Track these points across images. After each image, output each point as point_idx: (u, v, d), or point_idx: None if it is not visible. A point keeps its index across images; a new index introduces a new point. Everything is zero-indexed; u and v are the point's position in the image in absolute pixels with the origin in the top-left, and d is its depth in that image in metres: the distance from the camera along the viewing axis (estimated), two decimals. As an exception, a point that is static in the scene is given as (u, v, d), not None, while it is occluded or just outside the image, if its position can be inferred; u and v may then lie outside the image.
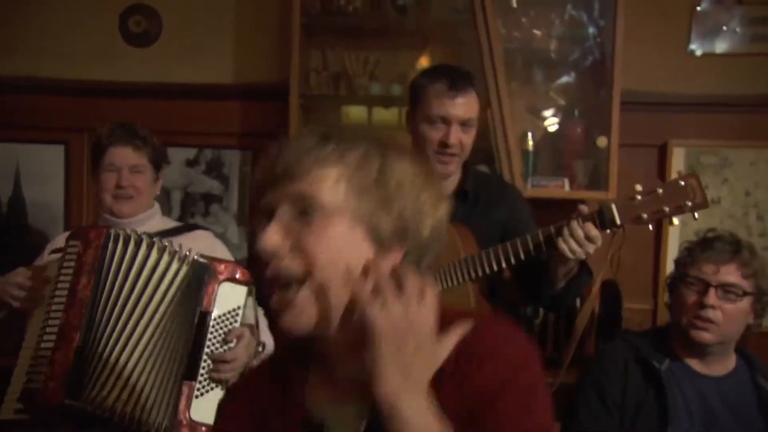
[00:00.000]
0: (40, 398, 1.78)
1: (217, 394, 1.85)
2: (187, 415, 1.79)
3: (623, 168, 2.79)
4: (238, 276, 1.90)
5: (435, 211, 0.96)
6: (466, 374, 0.91)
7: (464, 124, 1.99)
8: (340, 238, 0.91)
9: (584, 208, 1.86)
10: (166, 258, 1.88)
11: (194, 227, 2.26)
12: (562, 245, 1.82)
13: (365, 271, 0.91)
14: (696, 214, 1.86)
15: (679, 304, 1.92)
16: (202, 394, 1.83)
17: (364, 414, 0.95)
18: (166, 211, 3.00)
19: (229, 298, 1.89)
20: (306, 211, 0.91)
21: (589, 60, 2.80)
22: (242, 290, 1.91)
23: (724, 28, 2.96)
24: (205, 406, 1.81)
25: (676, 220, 1.87)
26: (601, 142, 2.72)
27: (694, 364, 1.93)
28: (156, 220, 2.19)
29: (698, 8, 2.97)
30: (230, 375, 1.85)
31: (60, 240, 2.12)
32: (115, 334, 1.83)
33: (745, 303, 1.88)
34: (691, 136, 2.94)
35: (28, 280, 1.95)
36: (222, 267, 1.90)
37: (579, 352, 2.63)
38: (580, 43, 2.80)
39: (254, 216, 0.97)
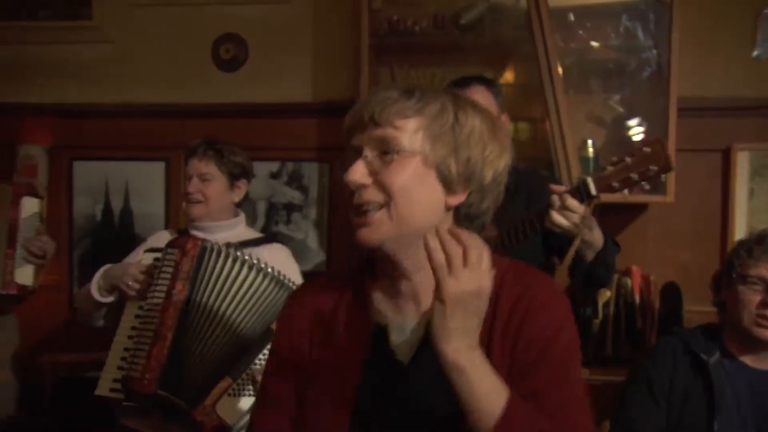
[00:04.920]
0: (137, 386, 2.01)
1: (247, 401, 2.02)
2: (211, 404, 1.98)
3: (685, 173, 2.86)
4: None
5: (498, 160, 1.13)
6: (522, 325, 1.06)
7: None
8: (414, 176, 1.08)
9: (560, 187, 1.97)
10: (252, 274, 2.08)
11: (273, 239, 2.42)
12: (548, 220, 1.92)
13: (435, 233, 1.01)
14: (664, 177, 1.91)
15: (738, 303, 1.97)
16: (233, 395, 2.00)
17: (421, 326, 1.11)
18: (252, 220, 3.30)
19: None
20: (387, 152, 1.08)
21: (645, 68, 2.88)
22: None
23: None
24: (231, 405, 1.99)
25: (647, 186, 1.93)
26: (659, 148, 2.79)
27: (748, 360, 1.99)
28: (240, 229, 2.37)
29: (766, 11, 2.99)
30: None
31: (154, 240, 2.35)
32: (201, 337, 2.04)
33: None
34: (755, 139, 2.96)
35: (140, 274, 2.17)
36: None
37: (638, 351, 2.72)
38: (637, 52, 2.88)
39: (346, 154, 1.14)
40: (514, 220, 2.02)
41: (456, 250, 0.99)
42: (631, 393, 2.06)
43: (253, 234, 2.42)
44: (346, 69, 3.23)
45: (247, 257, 2.10)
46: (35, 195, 2.59)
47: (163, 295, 2.07)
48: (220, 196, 2.31)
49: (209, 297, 2.07)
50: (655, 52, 2.86)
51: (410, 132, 1.08)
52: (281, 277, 2.12)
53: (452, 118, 1.09)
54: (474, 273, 0.97)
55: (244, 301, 2.08)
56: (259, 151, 3.34)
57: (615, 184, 1.91)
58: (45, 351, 3.26)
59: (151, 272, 2.16)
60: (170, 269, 2.09)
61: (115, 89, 3.45)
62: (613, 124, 2.99)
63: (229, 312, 2.06)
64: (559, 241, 2.15)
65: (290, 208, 3.33)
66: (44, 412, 2.93)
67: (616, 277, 2.77)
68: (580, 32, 2.88)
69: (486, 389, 0.98)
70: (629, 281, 2.78)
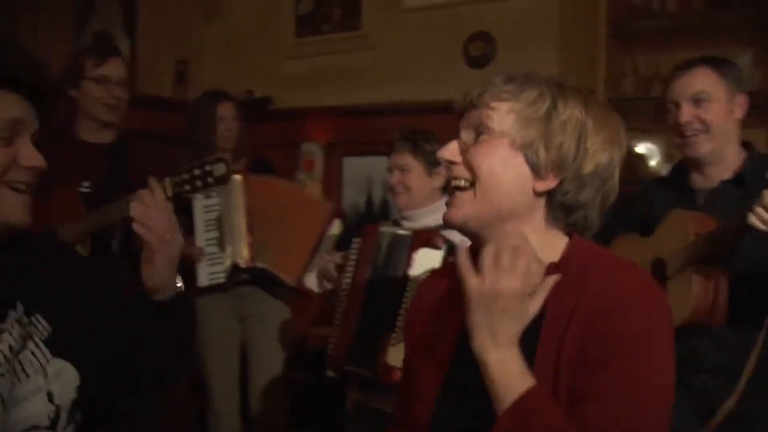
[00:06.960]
0: (331, 363, 2.32)
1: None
2: (384, 360, 2.15)
3: None
4: (433, 242, 2.18)
5: (601, 153, 1.14)
6: (602, 314, 1.04)
7: (696, 99, 1.94)
8: (500, 157, 1.11)
9: None
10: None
11: None
12: (752, 215, 1.64)
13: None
14: None
15: None
16: (397, 343, 2.13)
17: None
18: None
19: (425, 261, 2.16)
20: (479, 133, 1.13)
21: None
22: (437, 253, 2.17)
23: None
24: (398, 352, 2.06)
25: None
26: None
27: None
28: (437, 215, 2.48)
29: None
30: None
31: None
32: (379, 311, 2.23)
33: None
34: None
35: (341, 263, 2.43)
36: (420, 236, 2.21)
37: None
38: None
39: None
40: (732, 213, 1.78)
41: (488, 250, 1.04)
42: None
43: None
44: (591, 61, 3.13)
45: (406, 237, 2.26)
46: (342, 217, 3.01)
47: (350, 280, 2.33)
48: (421, 184, 2.42)
49: (386, 277, 2.25)
50: None
51: (502, 114, 1.11)
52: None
53: (549, 104, 1.11)
54: (501, 275, 1.03)
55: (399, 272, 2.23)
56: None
57: None
58: (313, 325, 3.74)
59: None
60: (355, 256, 2.34)
61: (379, 91, 3.80)
62: None
63: (395, 285, 2.22)
64: None
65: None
66: (308, 372, 3.40)
67: None
68: None
69: (505, 383, 1.01)
70: None
